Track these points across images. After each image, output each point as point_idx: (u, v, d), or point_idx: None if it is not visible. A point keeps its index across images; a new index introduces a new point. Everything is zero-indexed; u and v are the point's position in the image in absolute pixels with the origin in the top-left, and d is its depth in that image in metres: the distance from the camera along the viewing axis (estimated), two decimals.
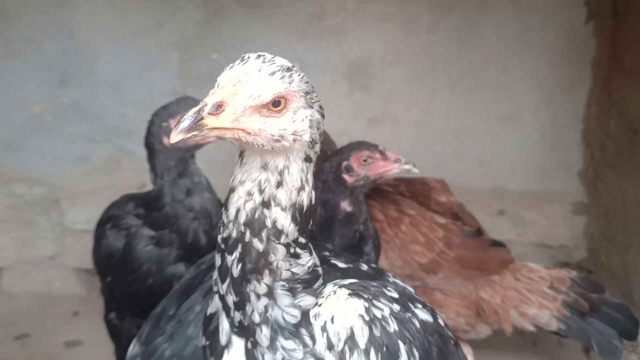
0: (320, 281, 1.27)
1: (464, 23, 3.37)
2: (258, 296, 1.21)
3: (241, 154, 1.21)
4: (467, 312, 2.47)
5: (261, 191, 1.18)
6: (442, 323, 1.38)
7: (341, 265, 1.38)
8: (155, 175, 2.09)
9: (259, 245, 1.18)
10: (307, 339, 1.21)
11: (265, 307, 1.21)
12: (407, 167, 2.00)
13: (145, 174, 3.48)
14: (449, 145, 3.46)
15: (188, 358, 1.70)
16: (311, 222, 1.28)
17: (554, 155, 3.50)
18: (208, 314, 1.38)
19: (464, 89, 3.45)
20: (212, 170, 2.18)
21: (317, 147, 1.22)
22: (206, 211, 2.09)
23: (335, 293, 1.24)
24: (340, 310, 1.21)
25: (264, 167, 1.17)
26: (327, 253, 1.45)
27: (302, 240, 1.23)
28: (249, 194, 1.18)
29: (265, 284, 1.20)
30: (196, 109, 1.06)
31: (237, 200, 1.20)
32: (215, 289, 1.31)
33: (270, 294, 1.21)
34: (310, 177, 1.22)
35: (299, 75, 1.16)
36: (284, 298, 1.22)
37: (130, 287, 2.15)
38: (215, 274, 1.29)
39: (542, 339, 3.02)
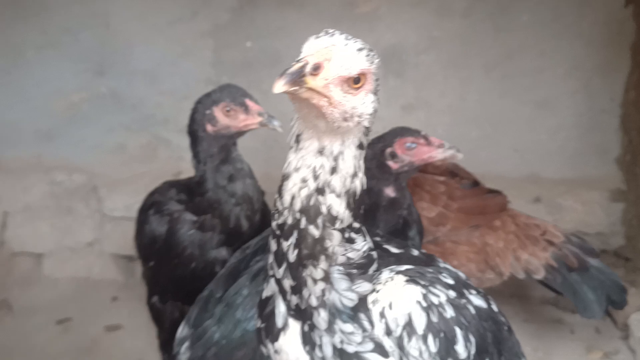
0: (375, 265, 1.28)
1: (499, 7, 3.32)
2: (315, 281, 1.22)
3: (297, 138, 1.21)
4: (477, 257, 2.58)
5: (316, 177, 1.18)
6: (495, 309, 1.39)
7: (394, 250, 1.40)
8: (197, 162, 2.12)
9: (314, 231, 1.20)
10: (366, 324, 1.23)
11: (323, 291, 1.23)
12: (450, 152, 2.00)
13: (180, 162, 3.58)
14: (484, 131, 3.43)
15: (237, 341, 1.73)
16: (362, 208, 1.29)
17: (590, 141, 3.44)
18: (263, 297, 1.40)
19: (499, 75, 3.40)
20: (246, 157, 2.20)
21: (369, 136, 1.23)
22: (248, 197, 2.12)
23: (392, 279, 1.25)
24: (398, 296, 1.22)
25: (320, 151, 1.18)
26: (378, 239, 1.46)
27: (355, 225, 1.24)
28: (304, 180, 1.19)
29: (322, 269, 1.21)
30: (300, 64, 1.06)
31: (292, 187, 1.20)
32: (270, 272, 1.33)
33: (326, 278, 1.22)
34: (362, 164, 1.23)
35: (377, 58, 1.17)
36: (341, 282, 1.23)
37: (174, 271, 2.19)
38: (271, 258, 1.31)
39: (579, 327, 3.00)
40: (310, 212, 1.19)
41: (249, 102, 2.01)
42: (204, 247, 2.14)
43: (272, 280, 1.33)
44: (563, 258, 2.57)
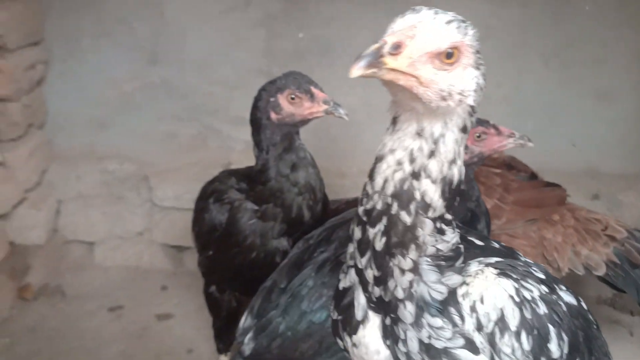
0: (461, 259, 1.22)
1: None
2: (402, 271, 1.17)
3: (394, 120, 1.16)
4: (534, 251, 2.51)
5: (412, 160, 1.12)
6: (584, 306, 1.33)
7: (478, 242, 1.33)
8: (260, 150, 2.09)
9: (406, 218, 1.14)
10: (457, 318, 1.17)
11: (410, 283, 1.17)
12: (521, 141, 1.94)
13: (230, 152, 3.57)
14: (541, 123, 3.32)
15: (302, 332, 1.71)
16: (457, 200, 1.22)
17: None
18: (341, 287, 1.36)
19: (557, 65, 3.30)
20: None
21: (474, 119, 1.16)
22: (310, 186, 2.08)
23: (482, 272, 1.19)
24: (489, 290, 1.17)
25: (419, 133, 1.12)
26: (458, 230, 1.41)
27: (447, 216, 1.18)
28: (399, 163, 1.13)
29: (411, 259, 1.16)
30: (377, 45, 1.00)
31: (386, 169, 1.15)
32: (351, 262, 1.28)
33: (415, 269, 1.17)
34: (462, 150, 1.16)
35: (472, 29, 1.09)
36: (430, 274, 1.17)
37: (234, 260, 2.18)
38: (352, 247, 1.26)
39: (639, 328, 2.90)
40: (403, 197, 1.13)
41: (314, 89, 1.97)
42: (265, 237, 2.12)
43: (352, 271, 1.28)
44: (626, 254, 2.49)
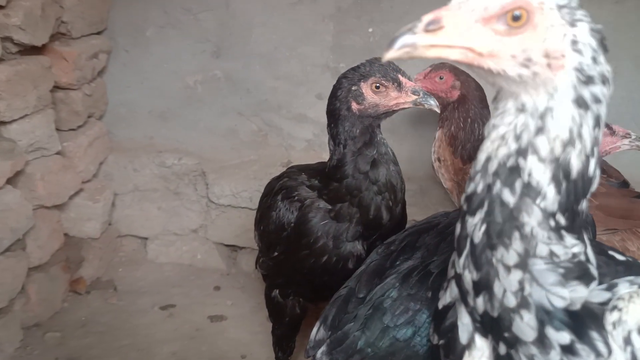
0: (594, 284, 1.01)
1: None
2: (507, 268, 0.97)
3: (495, 99, 1.02)
4: None
5: (517, 137, 0.97)
6: None
7: (619, 257, 1.12)
8: (336, 144, 1.91)
9: (509, 197, 0.97)
10: (601, 346, 0.96)
11: (520, 284, 0.97)
12: (639, 143, 1.70)
13: (290, 150, 3.42)
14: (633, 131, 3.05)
15: (385, 350, 1.51)
16: (585, 211, 1.02)
17: None
18: (441, 306, 1.17)
19: None
20: None
21: (596, 89, 0.97)
22: (391, 185, 1.89)
23: (638, 295, 0.98)
24: None
25: (521, 109, 0.97)
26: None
27: (561, 220, 0.97)
28: (503, 138, 0.98)
29: (515, 251, 0.97)
30: (409, 25, 0.94)
31: (489, 145, 1.00)
32: (452, 272, 1.09)
33: (523, 265, 0.97)
34: (587, 134, 0.96)
35: None
36: (546, 274, 0.97)
37: (303, 264, 2.00)
38: (454, 254, 1.07)
39: None
40: (507, 174, 0.97)
41: (402, 77, 1.79)
42: (339, 239, 1.93)
43: (454, 283, 1.09)
44: None
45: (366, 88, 1.81)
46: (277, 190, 2.11)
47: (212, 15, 3.26)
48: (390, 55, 0.94)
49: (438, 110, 1.78)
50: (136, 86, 3.38)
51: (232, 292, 3.22)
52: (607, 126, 1.72)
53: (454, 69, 2.47)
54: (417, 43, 0.93)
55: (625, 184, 2.42)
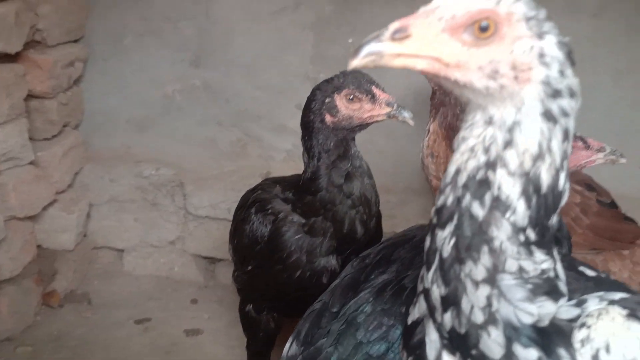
0: (563, 300, 0.99)
1: (634, 7, 2.95)
2: (476, 284, 0.95)
3: (464, 111, 1.01)
4: None
5: (486, 150, 0.95)
6: None
7: (589, 272, 1.10)
8: (311, 156, 1.87)
9: (478, 210, 0.94)
10: None
11: (488, 300, 0.95)
12: (613, 156, 1.71)
13: (270, 161, 3.38)
14: (609, 145, 3.05)
15: None
16: (555, 226, 1.00)
17: None
18: (410, 322, 1.13)
19: (631, 82, 3.03)
20: None
21: (564, 102, 0.94)
22: (366, 198, 1.86)
23: (607, 312, 0.95)
24: (617, 336, 0.93)
25: (489, 121, 0.95)
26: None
27: (531, 235, 0.95)
28: (472, 150, 0.96)
29: (484, 265, 0.94)
30: (376, 33, 0.93)
31: (459, 158, 0.98)
32: (420, 286, 1.06)
33: (491, 280, 0.94)
34: (556, 147, 0.94)
35: None
36: (514, 290, 0.95)
37: (276, 278, 1.96)
38: (423, 268, 1.04)
39: None
40: (475, 186, 0.95)
41: (376, 89, 1.75)
42: (312, 254, 1.89)
43: (422, 298, 1.06)
44: None
45: (340, 100, 1.78)
46: (250, 203, 2.07)
47: (191, 23, 3.23)
48: (355, 63, 0.93)
49: (412, 123, 1.75)
50: (114, 95, 3.33)
51: (209, 305, 3.16)
52: (582, 140, 1.70)
53: None
54: (383, 51, 0.92)
55: (614, 204, 2.44)
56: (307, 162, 1.91)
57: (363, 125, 1.81)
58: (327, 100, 1.80)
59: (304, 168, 1.94)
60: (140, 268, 3.37)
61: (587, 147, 1.70)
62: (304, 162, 1.93)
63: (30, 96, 2.91)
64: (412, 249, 1.64)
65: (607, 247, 2.37)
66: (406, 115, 1.73)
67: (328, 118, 1.81)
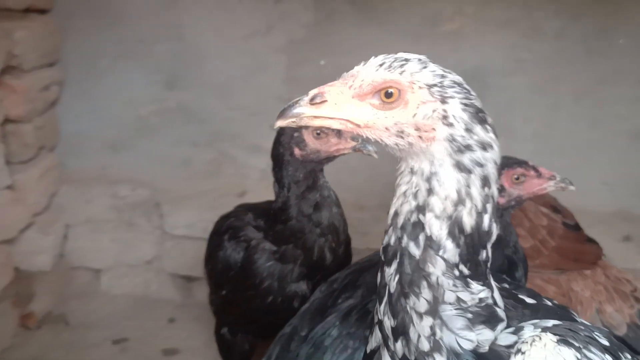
0: (501, 325, 1.09)
1: (594, 29, 3.09)
2: (420, 315, 1.06)
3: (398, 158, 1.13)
4: (562, 300, 2.42)
5: (415, 196, 1.07)
6: None
7: (528, 300, 1.20)
8: (281, 187, 1.95)
9: (415, 250, 1.06)
10: None
11: (432, 329, 1.06)
12: (562, 184, 1.81)
13: (245, 180, 3.45)
14: (571, 162, 3.17)
15: None
16: (487, 259, 1.10)
17: None
18: (369, 350, 1.23)
19: (590, 102, 3.16)
20: None
21: (476, 155, 1.05)
22: (334, 227, 1.94)
23: (540, 339, 1.04)
24: None
25: (411, 171, 1.08)
26: (507, 285, 1.27)
27: (464, 270, 1.07)
28: (405, 195, 1.09)
29: (425, 299, 1.06)
30: (297, 99, 1.08)
31: (396, 202, 1.10)
32: (375, 318, 1.16)
33: (434, 312, 1.06)
34: (476, 193, 1.05)
35: (423, 65, 1.06)
36: (455, 320, 1.06)
37: (249, 303, 2.03)
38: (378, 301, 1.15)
39: None
40: (410, 228, 1.07)
41: None
42: (284, 280, 1.97)
43: (377, 328, 1.16)
44: None
45: (307, 135, 1.86)
46: (224, 230, 2.13)
47: (165, 46, 3.29)
48: (279, 123, 1.09)
49: (376, 156, 1.83)
50: (89, 117, 3.37)
51: (186, 324, 3.20)
52: (535, 169, 1.80)
53: None
54: (303, 114, 1.07)
55: (577, 226, 2.53)
56: (277, 192, 1.98)
57: (330, 158, 1.89)
58: (296, 134, 1.87)
59: (275, 197, 2.01)
60: (117, 288, 3.40)
61: (539, 175, 1.80)
62: (274, 192, 2.00)
63: (6, 120, 2.93)
64: (377, 273, 1.72)
65: (571, 268, 2.47)
66: (370, 148, 1.82)
67: (297, 151, 1.88)
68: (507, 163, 1.81)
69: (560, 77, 3.15)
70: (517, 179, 1.81)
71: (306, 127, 1.86)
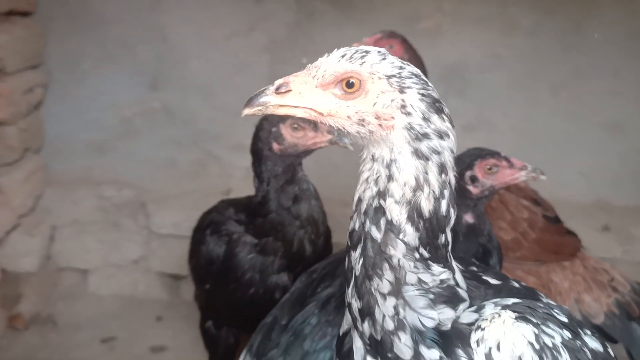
0: (464, 305, 1.14)
1: (569, 24, 3.16)
2: (384, 296, 1.11)
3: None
4: (542, 290, 2.48)
5: (376, 182, 1.11)
6: (612, 353, 1.21)
7: (493, 281, 1.24)
8: (261, 181, 2.00)
9: (377, 234, 1.11)
10: None
11: (395, 309, 1.10)
12: (534, 174, 1.85)
13: (230, 179, 3.48)
14: (549, 154, 3.25)
15: None
16: (447, 243, 1.16)
17: None
18: (341, 333, 1.28)
19: (566, 95, 3.24)
20: None
21: (433, 143, 1.09)
22: (313, 219, 1.99)
23: (499, 316, 1.09)
24: (507, 336, 1.07)
25: (372, 158, 1.13)
26: (475, 268, 1.32)
27: (425, 253, 1.12)
28: (367, 181, 1.14)
29: (388, 280, 1.10)
30: (263, 88, 1.13)
31: (359, 188, 1.15)
32: (346, 301, 1.21)
33: (396, 293, 1.10)
34: (434, 179, 1.10)
35: (382, 57, 1.10)
36: (417, 299, 1.11)
37: (231, 296, 2.07)
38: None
39: None
40: (373, 213, 1.11)
41: None
42: (265, 272, 2.02)
43: (347, 311, 1.21)
44: (625, 305, 2.48)
45: (285, 129, 1.91)
46: (206, 225, 2.17)
47: (148, 48, 3.32)
48: (246, 112, 1.14)
49: (352, 149, 1.87)
50: (73, 119, 3.39)
51: (174, 322, 3.23)
52: (507, 160, 1.85)
53: (404, 42, 2.43)
54: (268, 103, 1.12)
55: (557, 218, 2.57)
56: (257, 186, 2.02)
57: (308, 152, 1.94)
58: (274, 129, 1.92)
59: (255, 191, 2.06)
60: (105, 288, 3.41)
61: (511, 165, 1.85)
62: (254, 186, 2.05)
63: None
64: None
65: (550, 260, 2.51)
66: (346, 141, 1.86)
67: (275, 146, 1.93)
68: (480, 154, 1.86)
69: (537, 71, 3.22)
70: (490, 169, 1.85)
71: (272, 115, 1.90)
